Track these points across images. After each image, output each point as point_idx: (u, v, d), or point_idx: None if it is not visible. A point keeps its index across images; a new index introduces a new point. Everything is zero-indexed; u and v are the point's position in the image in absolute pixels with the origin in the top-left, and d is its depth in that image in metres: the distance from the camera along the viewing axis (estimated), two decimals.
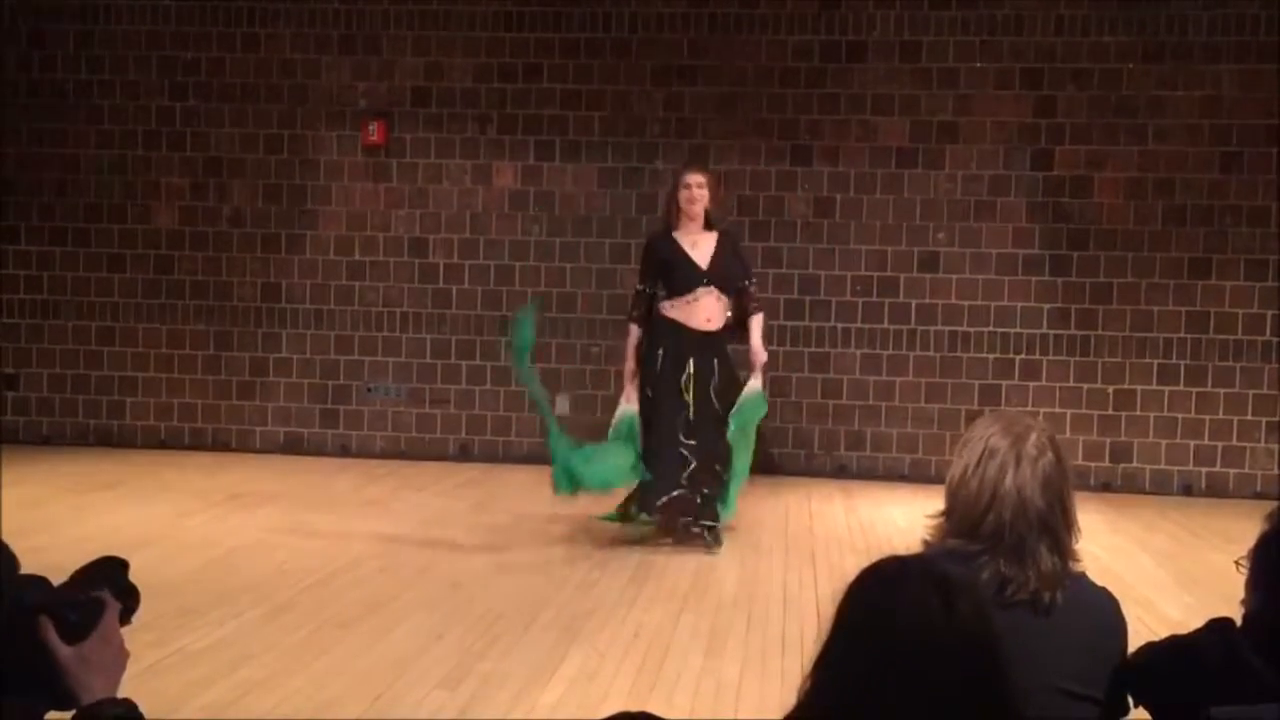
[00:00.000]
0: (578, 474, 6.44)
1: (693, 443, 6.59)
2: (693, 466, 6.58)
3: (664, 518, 6.73)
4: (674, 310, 6.66)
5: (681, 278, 6.68)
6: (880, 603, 1.65)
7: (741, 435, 6.72)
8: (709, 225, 6.76)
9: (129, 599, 1.69)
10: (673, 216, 6.79)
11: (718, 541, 6.67)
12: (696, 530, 6.67)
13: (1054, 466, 2.30)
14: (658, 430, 6.64)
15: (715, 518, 6.66)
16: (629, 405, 6.75)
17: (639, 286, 6.90)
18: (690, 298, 6.64)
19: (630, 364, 6.83)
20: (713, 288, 6.67)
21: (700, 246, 6.70)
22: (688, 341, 6.63)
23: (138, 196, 9.51)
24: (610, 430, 6.78)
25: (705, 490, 6.61)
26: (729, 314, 6.75)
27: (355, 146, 9.37)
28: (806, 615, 5.42)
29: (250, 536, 6.70)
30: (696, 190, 6.68)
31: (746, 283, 6.86)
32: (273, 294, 9.44)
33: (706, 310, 6.66)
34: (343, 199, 9.40)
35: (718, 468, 6.64)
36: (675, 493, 6.59)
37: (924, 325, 8.98)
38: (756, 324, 6.86)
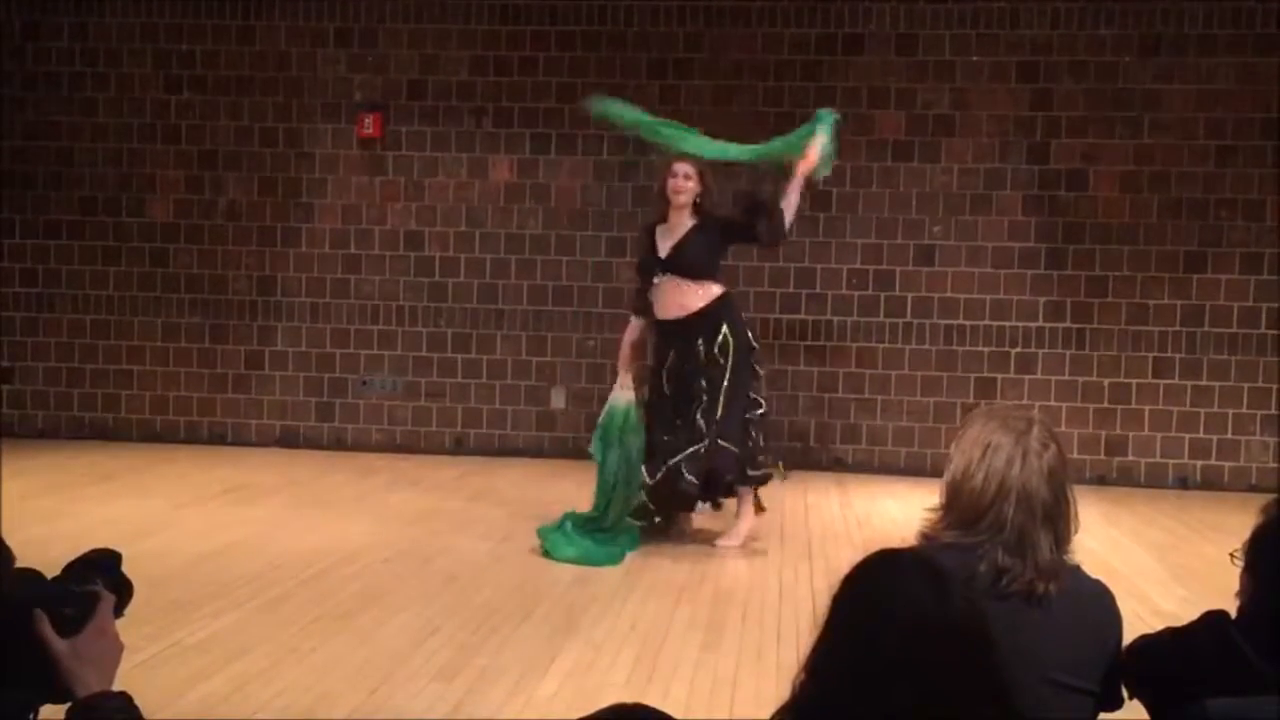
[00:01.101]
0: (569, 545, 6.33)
1: (668, 438, 6.49)
2: (674, 460, 6.48)
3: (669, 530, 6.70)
4: (654, 304, 6.64)
5: (644, 266, 6.69)
6: (875, 596, 1.66)
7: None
8: (699, 214, 6.64)
9: (122, 592, 1.69)
10: (661, 206, 6.72)
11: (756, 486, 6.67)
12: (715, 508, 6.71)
13: (1057, 459, 2.31)
14: (650, 428, 6.64)
15: (722, 493, 6.66)
16: (621, 392, 6.71)
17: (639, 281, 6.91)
18: (653, 288, 6.60)
19: (623, 352, 6.84)
20: (671, 275, 6.53)
21: (674, 233, 6.60)
22: (664, 332, 6.61)
23: (133, 189, 9.49)
24: (599, 423, 6.72)
25: (689, 479, 6.47)
26: (709, 299, 6.53)
27: (351, 140, 9.36)
28: (802, 608, 5.42)
29: (246, 530, 6.70)
30: (683, 180, 6.54)
31: (752, 222, 6.62)
32: (268, 287, 9.43)
33: (674, 297, 6.53)
34: (338, 192, 9.39)
35: (701, 451, 6.42)
36: (663, 513, 6.62)
37: (920, 319, 8.98)
38: (786, 206, 6.66)
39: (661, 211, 6.72)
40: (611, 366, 8.94)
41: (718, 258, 6.66)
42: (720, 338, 6.49)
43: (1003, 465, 2.28)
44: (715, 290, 6.57)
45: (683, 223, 6.62)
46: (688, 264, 6.55)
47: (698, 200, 6.60)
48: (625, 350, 6.86)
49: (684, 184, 6.56)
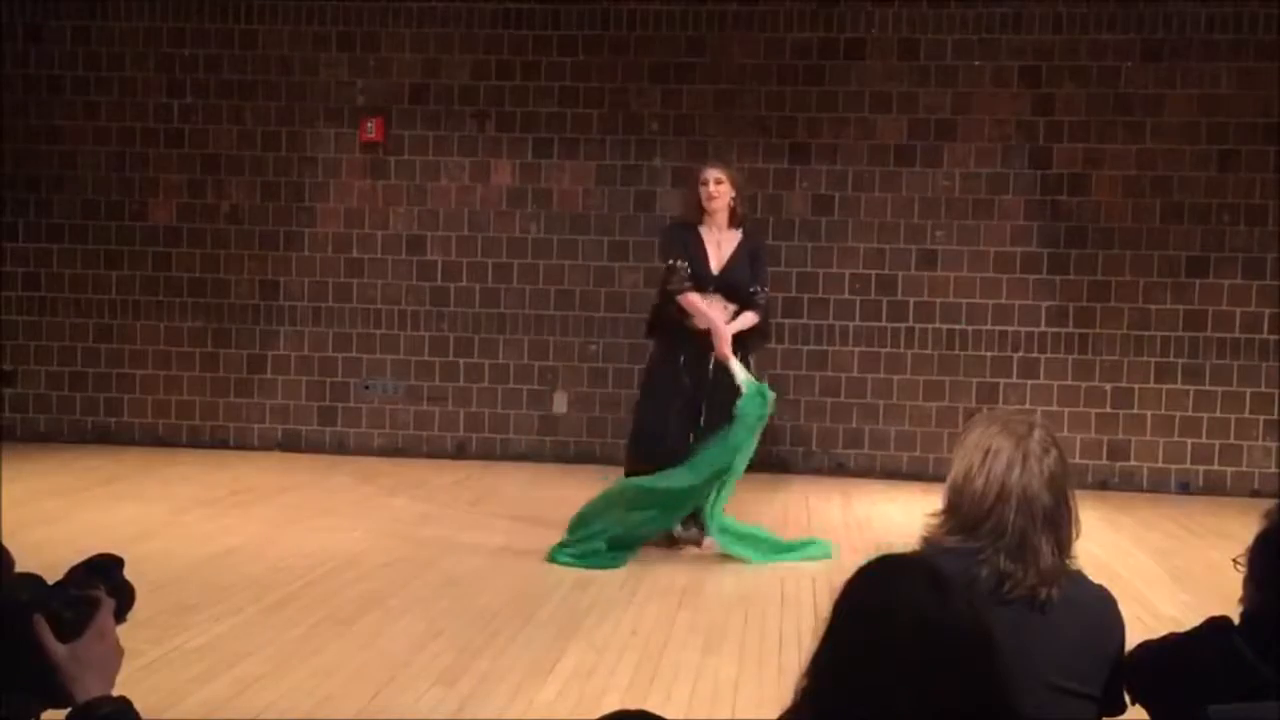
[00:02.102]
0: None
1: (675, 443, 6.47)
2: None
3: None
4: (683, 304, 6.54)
5: (695, 275, 6.49)
6: (876, 600, 1.66)
7: (745, 434, 6.24)
8: (735, 224, 6.57)
9: (124, 596, 1.69)
10: (695, 213, 6.60)
11: (690, 532, 6.60)
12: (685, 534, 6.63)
13: (1058, 463, 2.31)
14: (645, 428, 6.64)
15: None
16: (742, 372, 6.35)
17: (671, 261, 6.54)
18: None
19: (717, 323, 6.39)
20: (718, 294, 6.48)
21: (722, 247, 6.52)
22: (682, 337, 6.52)
23: (135, 193, 9.49)
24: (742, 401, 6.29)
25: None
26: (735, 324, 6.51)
27: (353, 144, 9.35)
28: (804, 612, 5.42)
29: (247, 533, 6.69)
30: (715, 187, 6.47)
31: (754, 290, 6.54)
32: (270, 291, 9.43)
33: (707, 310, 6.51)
34: (340, 196, 9.39)
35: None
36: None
37: (922, 323, 8.98)
38: (743, 318, 6.50)
39: (695, 216, 6.62)
40: (615, 370, 9.01)
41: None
42: (736, 369, 6.41)
43: (1003, 469, 2.28)
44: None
45: (725, 233, 6.55)
46: (736, 287, 6.51)
47: (733, 205, 6.55)
48: (713, 315, 6.43)
49: (717, 189, 6.49)
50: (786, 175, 9.04)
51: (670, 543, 6.60)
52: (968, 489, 2.31)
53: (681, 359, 6.50)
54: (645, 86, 9.12)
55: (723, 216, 6.54)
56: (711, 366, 6.46)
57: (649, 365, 6.87)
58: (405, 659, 4.68)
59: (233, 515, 7.18)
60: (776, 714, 1.75)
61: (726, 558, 6.44)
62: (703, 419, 6.45)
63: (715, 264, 6.51)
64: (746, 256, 6.55)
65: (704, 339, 6.46)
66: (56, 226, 9.52)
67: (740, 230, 6.61)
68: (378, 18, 9.30)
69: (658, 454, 6.39)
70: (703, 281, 6.48)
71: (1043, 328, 8.91)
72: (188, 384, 9.50)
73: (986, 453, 2.30)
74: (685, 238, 6.60)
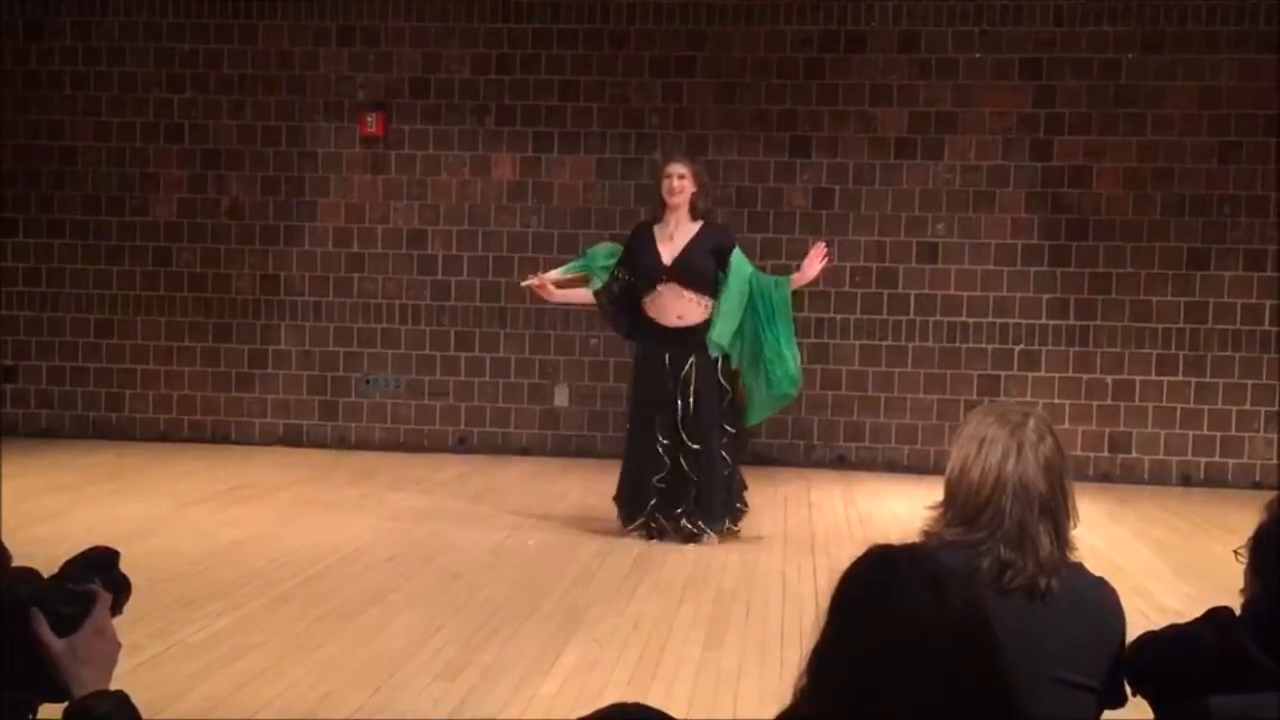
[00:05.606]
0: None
1: (667, 442, 6.52)
2: (668, 468, 6.53)
3: (643, 532, 6.66)
4: (649, 307, 6.59)
5: (643, 270, 6.56)
6: (872, 594, 1.65)
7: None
8: (696, 216, 6.61)
9: (120, 590, 1.68)
10: (657, 208, 6.70)
11: (715, 531, 6.62)
12: (689, 529, 6.63)
13: (1054, 451, 2.31)
14: (636, 429, 6.70)
15: (704, 519, 6.59)
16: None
17: (617, 274, 6.75)
18: (652, 294, 6.54)
19: (556, 273, 6.92)
20: (673, 284, 6.49)
21: (675, 239, 6.56)
22: (662, 339, 6.56)
23: (136, 189, 9.49)
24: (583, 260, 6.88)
25: (683, 494, 6.55)
26: (706, 313, 6.52)
27: (353, 138, 9.35)
28: (805, 606, 5.42)
29: (249, 528, 6.70)
30: (677, 181, 6.52)
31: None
32: (271, 286, 9.43)
33: (674, 307, 6.50)
34: (341, 191, 9.38)
35: (696, 471, 6.52)
36: (650, 505, 6.59)
37: (923, 316, 8.97)
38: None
39: (657, 212, 6.70)
40: (615, 364, 9.00)
41: (715, 271, 6.59)
42: (719, 362, 6.55)
43: (999, 459, 2.28)
44: (711, 305, 6.55)
45: (683, 226, 6.59)
46: (692, 274, 6.52)
47: (694, 200, 6.59)
48: (558, 274, 6.90)
49: (679, 184, 6.55)
50: (787, 168, 9.04)
51: (670, 538, 6.60)
52: (964, 480, 2.30)
53: (665, 357, 6.55)
54: (645, 80, 9.11)
55: (683, 211, 6.59)
56: (694, 365, 6.51)
57: (634, 363, 6.98)
58: (407, 654, 4.68)
59: (234, 510, 7.18)
60: (778, 709, 1.74)
61: (728, 552, 6.45)
62: (683, 409, 6.52)
63: (668, 256, 6.54)
64: (707, 248, 6.57)
65: (676, 334, 6.54)
66: (57, 222, 9.53)
67: (700, 223, 6.62)
68: (377, 12, 9.29)
69: (644, 449, 6.59)
70: (652, 273, 6.53)
71: (1044, 320, 8.91)
72: (189, 379, 9.50)
73: (981, 443, 2.30)
74: (637, 240, 6.72)
